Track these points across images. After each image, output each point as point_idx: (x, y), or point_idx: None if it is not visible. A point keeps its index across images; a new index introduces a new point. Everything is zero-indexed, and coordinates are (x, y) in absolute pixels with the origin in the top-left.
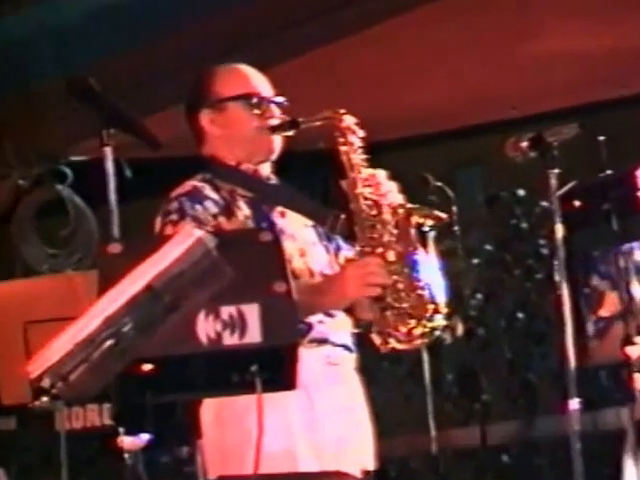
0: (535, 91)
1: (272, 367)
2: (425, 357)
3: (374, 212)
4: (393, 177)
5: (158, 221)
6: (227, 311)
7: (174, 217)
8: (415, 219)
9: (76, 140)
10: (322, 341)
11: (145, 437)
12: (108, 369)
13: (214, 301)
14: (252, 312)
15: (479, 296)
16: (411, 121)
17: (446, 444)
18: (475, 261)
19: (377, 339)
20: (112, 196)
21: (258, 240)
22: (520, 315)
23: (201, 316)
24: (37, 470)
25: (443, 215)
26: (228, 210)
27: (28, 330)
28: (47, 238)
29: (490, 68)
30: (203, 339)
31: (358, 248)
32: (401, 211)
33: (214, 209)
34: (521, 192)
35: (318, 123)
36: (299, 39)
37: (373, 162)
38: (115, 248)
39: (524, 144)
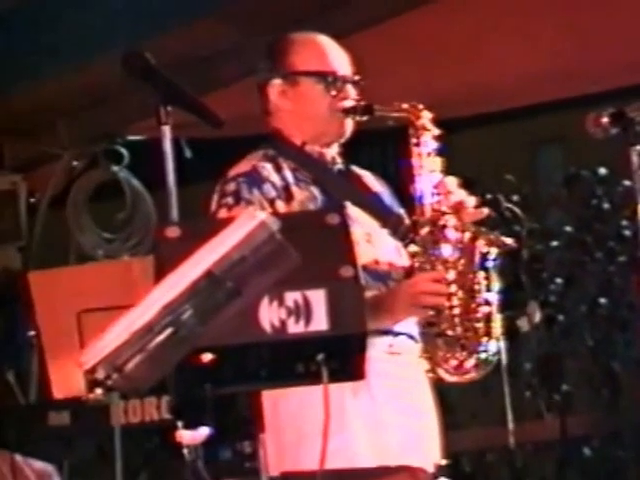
0: (618, 65)
1: (339, 356)
2: (503, 345)
3: (439, 226)
4: (471, 155)
5: (214, 201)
6: (292, 297)
7: (229, 200)
8: (481, 244)
9: (133, 119)
10: (384, 331)
11: (205, 431)
12: (166, 359)
13: (278, 287)
14: (318, 298)
15: (559, 280)
16: (490, 96)
17: (524, 437)
18: (554, 243)
19: (426, 363)
20: (170, 177)
21: (325, 222)
22: (602, 300)
23: (264, 303)
24: (92, 467)
25: (510, 242)
26: (287, 193)
27: (82, 319)
28: (102, 222)
29: (571, 39)
30: (266, 327)
31: (417, 264)
32: (468, 232)
33: (272, 193)
34: (602, 171)
35: (394, 114)
36: (377, 6)
37: (451, 140)
38: (173, 232)
39: (605, 120)
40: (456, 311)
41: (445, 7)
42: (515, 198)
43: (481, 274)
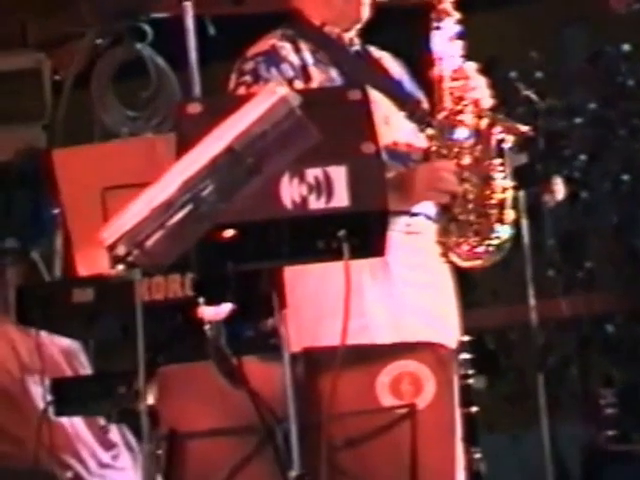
0: None
1: (360, 232)
2: (524, 221)
3: (457, 111)
4: (496, 34)
5: (232, 79)
6: (313, 174)
7: (248, 78)
8: (498, 130)
9: None
10: (402, 211)
11: (227, 308)
12: (187, 235)
13: (299, 163)
14: (339, 175)
15: (582, 157)
16: None
17: (547, 314)
18: (578, 120)
19: (439, 248)
20: (192, 54)
21: (346, 98)
22: (626, 177)
23: (285, 179)
24: (117, 343)
25: (527, 129)
26: (305, 73)
27: (106, 196)
28: (126, 100)
29: None
30: (287, 203)
31: (433, 147)
32: (485, 118)
33: (290, 72)
34: (626, 47)
35: None
36: None
37: (476, 18)
38: (195, 108)
39: None
40: (470, 197)
41: None
42: (539, 75)
43: (497, 161)
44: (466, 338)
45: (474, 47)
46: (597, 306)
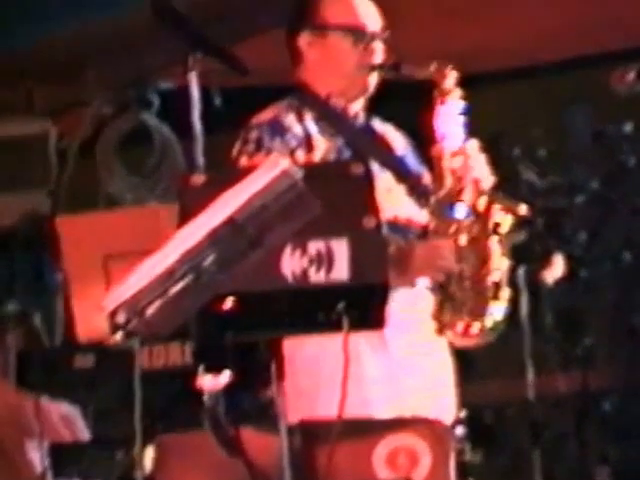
0: None
1: (360, 305)
2: (523, 297)
3: (457, 189)
4: (500, 110)
5: (236, 147)
6: (314, 246)
7: (251, 147)
8: (496, 211)
9: (163, 66)
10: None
11: (225, 377)
12: (187, 305)
13: (301, 235)
14: (340, 248)
15: (583, 235)
16: (516, 52)
17: (545, 390)
18: (579, 198)
19: (434, 324)
20: (197, 124)
21: (348, 172)
22: (626, 255)
23: (287, 251)
24: (116, 410)
25: (525, 211)
26: (309, 143)
27: (109, 263)
28: (131, 168)
29: None
30: (288, 275)
31: (432, 225)
32: (484, 198)
33: (293, 142)
34: (628, 127)
35: (421, 73)
36: None
37: (480, 95)
38: (198, 179)
39: (630, 77)
40: (466, 275)
41: None
42: (542, 153)
43: (494, 240)
44: (463, 413)
45: (477, 123)
46: (594, 383)
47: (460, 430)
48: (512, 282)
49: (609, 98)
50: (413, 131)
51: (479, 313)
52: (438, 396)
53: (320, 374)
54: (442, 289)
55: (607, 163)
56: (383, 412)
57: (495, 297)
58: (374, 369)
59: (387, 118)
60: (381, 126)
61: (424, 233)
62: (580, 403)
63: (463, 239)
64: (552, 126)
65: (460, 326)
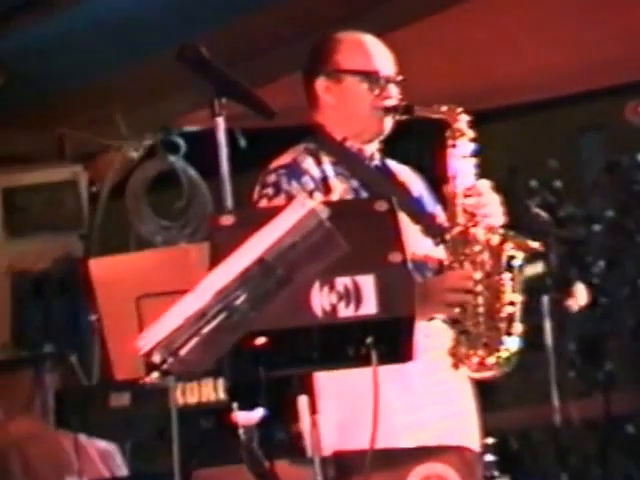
0: None
1: (389, 339)
2: (547, 325)
3: (470, 227)
4: (514, 143)
5: (256, 191)
6: (342, 283)
7: (269, 191)
8: (509, 247)
9: (189, 111)
10: None
11: (259, 412)
12: (220, 343)
13: (329, 273)
14: (367, 283)
15: (601, 263)
16: (530, 86)
17: (569, 415)
18: (596, 228)
19: (450, 359)
20: (224, 167)
21: (373, 210)
22: None
23: (315, 288)
24: (152, 446)
25: (537, 246)
26: (326, 185)
27: (141, 304)
28: (160, 210)
29: (609, 30)
30: (318, 311)
31: (446, 262)
32: (496, 235)
33: (310, 185)
34: None
35: (433, 115)
36: (418, 4)
37: (496, 128)
38: (227, 220)
39: None
40: (480, 310)
41: (479, 4)
42: (558, 184)
43: (507, 276)
44: (490, 440)
45: (493, 158)
46: (617, 406)
47: (488, 457)
48: (536, 310)
49: (623, 128)
50: (425, 169)
51: (494, 346)
52: (460, 424)
53: (347, 407)
54: (457, 324)
55: (622, 192)
56: (407, 442)
57: (509, 331)
58: (395, 400)
59: (400, 157)
60: (397, 166)
61: (440, 269)
62: (604, 427)
63: (477, 275)
64: (567, 157)
65: (475, 359)
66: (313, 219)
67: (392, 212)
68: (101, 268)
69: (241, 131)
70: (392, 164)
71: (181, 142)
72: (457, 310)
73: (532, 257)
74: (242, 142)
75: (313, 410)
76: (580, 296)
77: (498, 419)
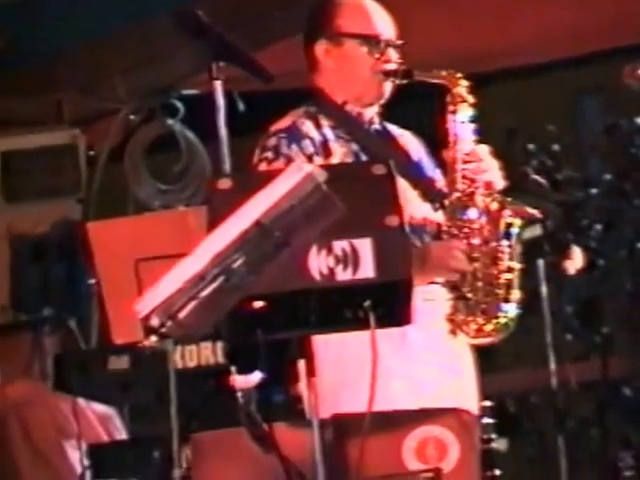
0: None
1: (386, 302)
2: (544, 289)
3: (469, 193)
4: (514, 106)
5: (255, 155)
6: (340, 246)
7: (269, 155)
8: (507, 214)
9: (188, 74)
10: None
11: (257, 375)
12: (218, 307)
13: (326, 236)
14: (365, 247)
15: (598, 227)
16: (529, 49)
17: (566, 378)
18: (594, 191)
19: (448, 325)
20: (222, 130)
21: (370, 173)
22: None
23: (313, 251)
24: (150, 410)
25: (536, 212)
26: (326, 149)
27: (140, 267)
28: (159, 174)
29: None
30: (315, 275)
31: (445, 227)
32: (495, 201)
33: (310, 149)
34: None
35: (433, 80)
36: None
37: (494, 91)
38: (225, 184)
39: None
40: (479, 276)
41: None
42: (556, 147)
43: (505, 242)
44: (488, 403)
45: (492, 121)
46: (614, 369)
47: (486, 419)
48: (533, 273)
49: (622, 92)
50: (425, 134)
51: (492, 313)
52: (459, 386)
53: (342, 373)
54: (455, 290)
55: (620, 156)
56: (405, 404)
57: (507, 297)
58: (394, 362)
59: (403, 123)
60: (397, 130)
61: (438, 233)
62: (601, 390)
63: (475, 240)
64: (566, 121)
65: (474, 326)
66: (310, 182)
67: (390, 176)
68: (99, 232)
69: (240, 94)
70: (392, 128)
71: (180, 105)
72: (456, 275)
73: (530, 221)
74: (241, 105)
75: (311, 373)
76: (577, 259)
77: (496, 382)
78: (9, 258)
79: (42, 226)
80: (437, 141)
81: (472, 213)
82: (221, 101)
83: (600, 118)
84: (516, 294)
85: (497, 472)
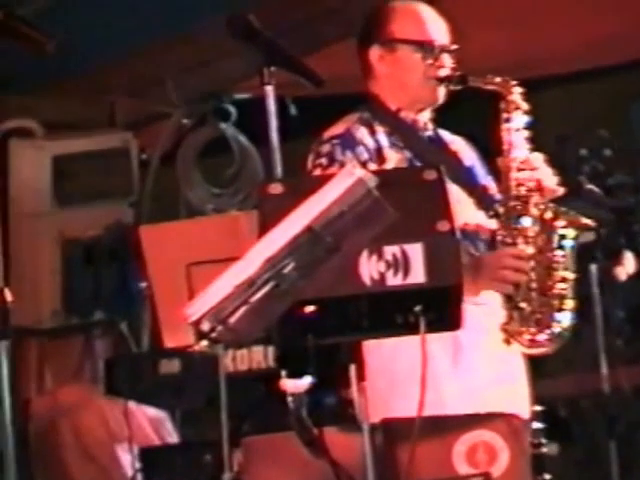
0: None
1: (436, 307)
2: (596, 294)
3: (523, 201)
4: (566, 112)
5: (309, 161)
6: (390, 251)
7: (324, 161)
8: (561, 224)
9: (239, 78)
10: None
11: (308, 380)
12: (269, 312)
13: (377, 241)
14: (416, 252)
15: None
16: (581, 55)
17: (617, 383)
18: None
19: (501, 334)
20: (274, 135)
21: (422, 178)
22: None
23: (364, 257)
24: (201, 414)
25: (589, 222)
26: (380, 156)
27: (191, 271)
28: (211, 178)
29: None
30: (366, 280)
31: (499, 237)
32: (549, 211)
33: (365, 155)
34: None
35: (488, 87)
36: None
37: (546, 97)
38: (276, 189)
39: None
40: (533, 286)
41: None
42: (608, 152)
43: (559, 252)
44: (538, 408)
45: (543, 127)
46: None
47: (536, 424)
48: (585, 279)
49: None
50: (483, 142)
51: (546, 323)
52: (510, 391)
53: (394, 376)
54: (509, 299)
55: None
56: (455, 409)
57: (561, 308)
58: (446, 366)
59: (456, 129)
60: (449, 136)
61: (493, 240)
62: None
63: (529, 250)
64: (617, 126)
65: (527, 336)
66: (361, 188)
67: (441, 181)
68: (151, 235)
69: (292, 99)
70: (445, 134)
71: (232, 109)
72: (511, 288)
73: (584, 230)
74: (293, 110)
75: (361, 377)
76: (628, 264)
77: (547, 387)
78: (61, 262)
79: (94, 230)
80: (490, 148)
81: (526, 221)
82: (272, 106)
83: None
84: (570, 304)
85: (547, 477)
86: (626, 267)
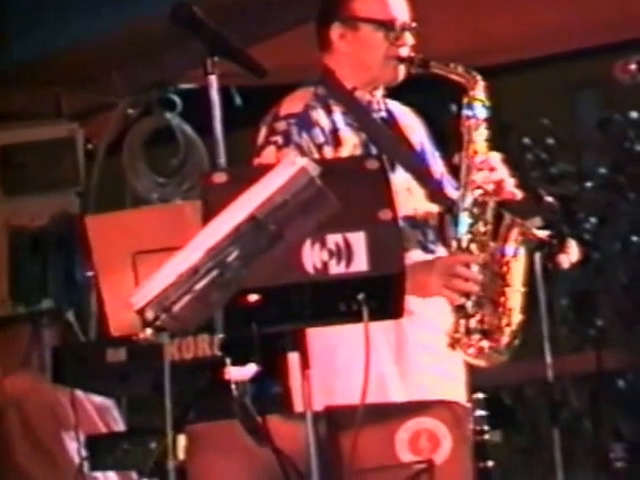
0: None
1: (379, 295)
2: (539, 282)
3: (479, 204)
4: (510, 100)
5: (262, 136)
6: (333, 240)
7: (279, 139)
8: (515, 234)
9: (185, 68)
10: None
11: (252, 368)
12: (212, 300)
13: (320, 230)
14: (358, 240)
15: (593, 220)
16: (525, 44)
17: (561, 370)
18: (589, 184)
19: (447, 339)
20: (218, 125)
21: (364, 168)
22: (635, 238)
23: (307, 245)
24: (148, 401)
25: (544, 236)
26: (336, 138)
27: (137, 260)
28: (156, 167)
29: None
30: (309, 268)
31: (454, 241)
32: (505, 220)
33: (320, 138)
34: (634, 115)
35: (450, 76)
36: None
37: (490, 86)
38: (220, 178)
39: (633, 67)
40: (483, 296)
41: None
42: (551, 141)
43: (510, 261)
44: (481, 395)
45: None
46: (608, 362)
47: (479, 411)
48: (529, 267)
49: (617, 86)
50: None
51: (492, 337)
52: (451, 379)
53: (335, 364)
54: (459, 308)
55: (615, 150)
56: (397, 397)
57: (508, 323)
58: (389, 355)
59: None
60: (399, 110)
61: (441, 223)
62: (595, 382)
63: (481, 258)
64: (561, 115)
65: (472, 350)
66: (304, 177)
67: (383, 170)
68: (98, 225)
69: (237, 89)
70: (395, 108)
71: (177, 99)
72: (461, 298)
73: (529, 212)
74: (238, 100)
75: (305, 366)
76: (572, 252)
77: (491, 374)
78: (8, 251)
79: (41, 219)
80: (444, 128)
81: (481, 227)
82: (216, 96)
83: (595, 112)
84: (518, 319)
85: (490, 463)
86: (570, 255)
